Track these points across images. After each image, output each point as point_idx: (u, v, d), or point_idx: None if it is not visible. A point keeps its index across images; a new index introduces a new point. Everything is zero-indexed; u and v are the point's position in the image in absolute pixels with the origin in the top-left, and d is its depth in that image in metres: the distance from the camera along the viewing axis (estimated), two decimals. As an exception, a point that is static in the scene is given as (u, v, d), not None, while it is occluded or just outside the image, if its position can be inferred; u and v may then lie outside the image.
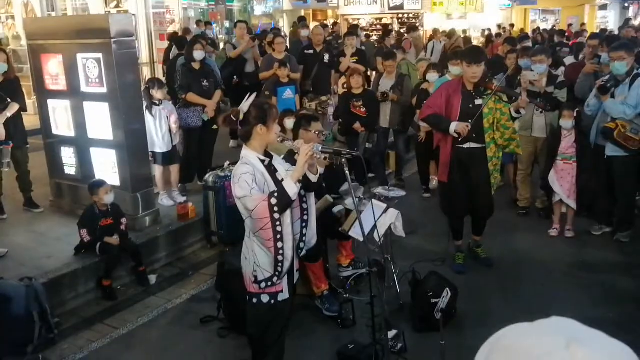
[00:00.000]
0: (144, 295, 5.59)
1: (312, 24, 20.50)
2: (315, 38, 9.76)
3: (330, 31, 14.93)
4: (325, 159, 3.50)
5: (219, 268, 5.10)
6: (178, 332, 4.95)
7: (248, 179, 3.26)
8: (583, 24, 24.83)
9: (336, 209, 4.88)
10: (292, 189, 3.22)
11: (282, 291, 3.49)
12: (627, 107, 5.82)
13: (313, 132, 4.90)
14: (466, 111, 5.25)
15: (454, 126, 5.20)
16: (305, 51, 9.69)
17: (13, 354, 4.48)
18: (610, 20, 31.28)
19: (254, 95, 3.47)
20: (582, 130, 6.35)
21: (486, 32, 21.31)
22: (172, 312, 5.31)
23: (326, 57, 9.43)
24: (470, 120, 5.18)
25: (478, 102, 5.28)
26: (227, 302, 4.83)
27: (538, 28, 23.40)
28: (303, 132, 5.14)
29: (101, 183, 5.69)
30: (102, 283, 5.50)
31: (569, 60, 9.54)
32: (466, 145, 5.34)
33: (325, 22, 22.97)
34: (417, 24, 22.84)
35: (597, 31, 17.63)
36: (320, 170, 3.59)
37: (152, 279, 5.87)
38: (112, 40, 5.74)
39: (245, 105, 3.41)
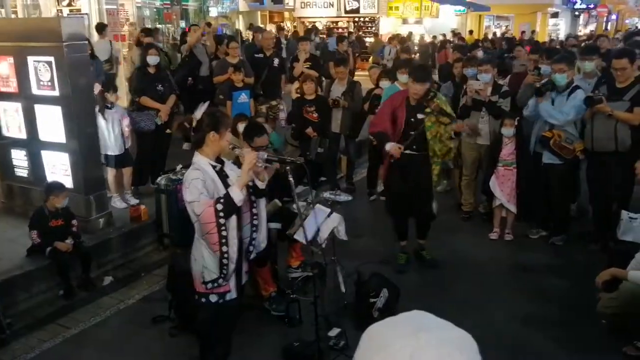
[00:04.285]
0: (97, 296, 5.65)
1: (269, 26, 20.67)
2: (265, 42, 9.90)
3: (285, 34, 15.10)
4: (265, 167, 3.68)
5: (169, 270, 5.20)
6: (130, 331, 5.05)
7: (198, 184, 3.41)
8: (534, 31, 25.56)
9: (271, 225, 5.01)
10: (238, 195, 3.38)
11: (229, 291, 3.66)
12: (557, 112, 6.12)
13: (254, 147, 5.08)
14: (410, 123, 5.61)
15: (388, 146, 5.58)
16: (255, 55, 9.78)
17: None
18: (561, 28, 32.11)
19: (207, 104, 3.63)
20: (522, 138, 6.62)
21: (440, 38, 21.77)
22: (124, 312, 5.40)
23: (276, 61, 9.57)
24: (412, 133, 5.56)
25: (420, 116, 5.62)
26: (177, 302, 4.95)
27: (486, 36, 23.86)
28: (245, 144, 5.30)
29: (61, 187, 5.72)
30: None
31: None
32: (407, 151, 5.63)
33: (281, 23, 23.14)
34: (373, 28, 23.25)
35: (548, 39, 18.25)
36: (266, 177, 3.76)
37: (107, 280, 5.94)
38: (64, 43, 5.73)
39: (199, 112, 3.56)
